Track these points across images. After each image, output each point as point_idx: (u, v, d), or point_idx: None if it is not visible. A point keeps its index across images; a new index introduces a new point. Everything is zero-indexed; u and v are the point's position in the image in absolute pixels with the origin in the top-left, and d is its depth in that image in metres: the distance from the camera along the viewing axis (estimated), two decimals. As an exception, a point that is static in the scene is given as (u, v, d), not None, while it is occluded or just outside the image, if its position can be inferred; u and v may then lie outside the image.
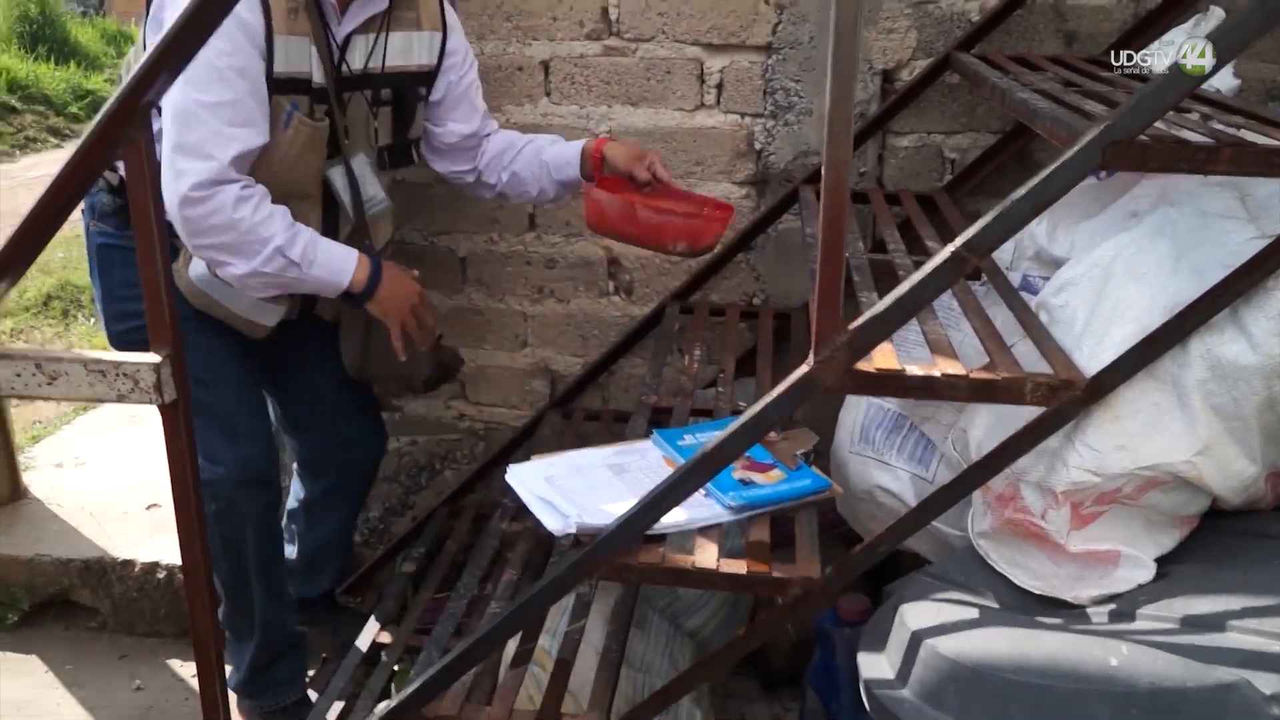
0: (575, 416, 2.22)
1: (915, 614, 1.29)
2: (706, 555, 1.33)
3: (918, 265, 1.58)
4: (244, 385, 1.82)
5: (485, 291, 2.28)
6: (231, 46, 1.52)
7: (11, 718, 2.25)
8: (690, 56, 2.03)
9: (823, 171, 1.10)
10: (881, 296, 1.42)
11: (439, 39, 1.82)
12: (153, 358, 1.22)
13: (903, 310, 1.16)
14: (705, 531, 1.39)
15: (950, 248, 1.14)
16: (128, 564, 2.49)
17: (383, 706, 1.49)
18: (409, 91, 1.82)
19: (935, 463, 1.54)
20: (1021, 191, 1.11)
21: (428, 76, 1.83)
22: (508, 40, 2.08)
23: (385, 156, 1.84)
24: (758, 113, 2.04)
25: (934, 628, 1.26)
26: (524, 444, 2.27)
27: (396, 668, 1.93)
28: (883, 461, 1.57)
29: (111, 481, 2.89)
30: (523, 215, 2.21)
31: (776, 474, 1.49)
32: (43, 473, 2.97)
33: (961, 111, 1.98)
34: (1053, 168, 1.09)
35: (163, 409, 1.24)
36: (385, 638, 2.00)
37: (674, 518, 1.35)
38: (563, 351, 2.29)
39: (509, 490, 1.94)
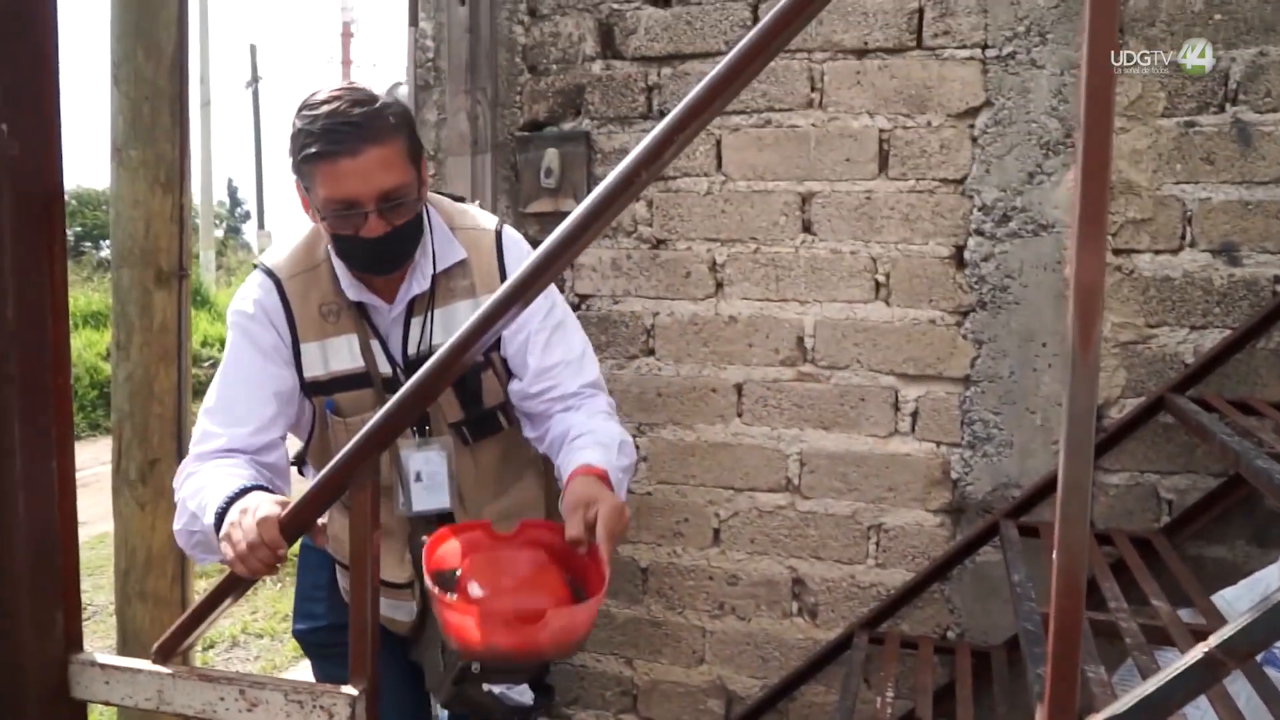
0: (752, 747, 2.10)
1: None
2: None
3: (1144, 630, 1.48)
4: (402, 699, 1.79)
5: (664, 603, 2.25)
6: (240, 362, 1.57)
7: None
8: (885, 385, 2.05)
9: (1055, 559, 1.04)
10: (1106, 665, 1.32)
11: None
12: (350, 691, 1.22)
13: (1147, 715, 1.05)
14: None
15: (1203, 648, 1.03)
16: None
17: None
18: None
19: None
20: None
21: (495, 342, 1.61)
22: (703, 364, 2.16)
23: (464, 432, 1.63)
24: (955, 442, 2.02)
25: None
26: (696, 772, 2.14)
27: None
28: None
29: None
30: (707, 530, 2.20)
31: None
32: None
33: (1179, 452, 1.89)
34: (1320, 571, 1.00)
35: (351, 747, 1.23)
36: None
37: None
38: (741, 671, 2.20)
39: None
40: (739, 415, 2.15)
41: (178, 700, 1.27)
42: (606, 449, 1.49)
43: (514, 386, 1.62)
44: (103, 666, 1.27)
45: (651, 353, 2.21)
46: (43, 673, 1.23)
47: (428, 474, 1.61)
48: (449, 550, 1.38)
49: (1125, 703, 1.08)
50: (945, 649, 2.01)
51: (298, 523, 1.28)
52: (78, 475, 1.26)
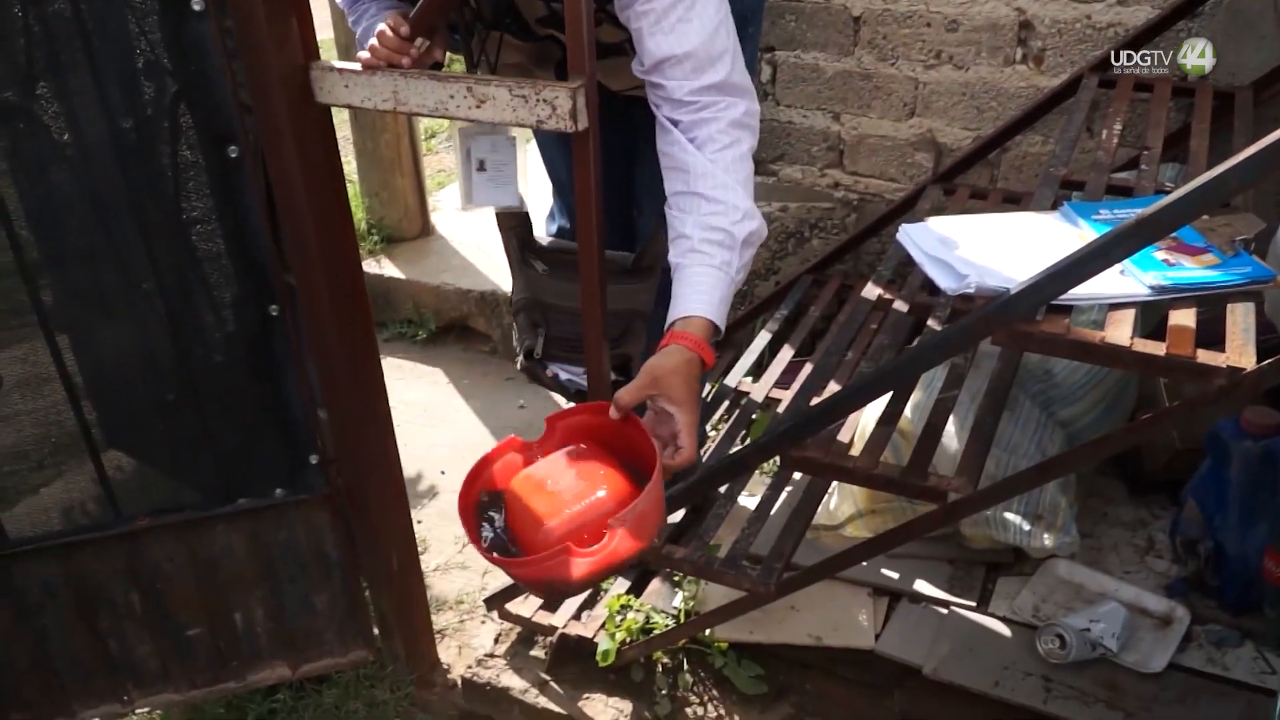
0: (959, 194, 2.09)
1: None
2: (1119, 332, 1.22)
3: None
4: None
5: (876, 54, 2.15)
6: None
7: (419, 415, 2.63)
8: None
9: None
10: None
11: None
12: (570, 85, 1.26)
13: None
14: (1117, 309, 1.28)
15: None
16: (516, 298, 2.75)
17: (749, 445, 1.57)
18: None
19: None
20: None
21: None
22: None
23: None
24: None
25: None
26: (899, 218, 2.18)
27: (755, 416, 2.00)
28: (1347, 259, 1.35)
29: (503, 226, 3.16)
30: (929, -32, 2.04)
31: (1209, 258, 1.32)
32: (447, 214, 3.31)
33: None
34: None
35: (575, 135, 1.29)
36: (746, 386, 2.08)
37: (1085, 289, 1.24)
38: (953, 123, 2.14)
39: (887, 257, 1.90)
40: None
41: (412, 100, 1.35)
42: (725, 265, 1.26)
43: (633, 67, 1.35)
44: (341, 71, 1.35)
45: None
46: (287, 78, 1.32)
47: (493, 163, 1.44)
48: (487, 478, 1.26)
49: None
50: (1184, 90, 1.87)
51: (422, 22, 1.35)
52: None
